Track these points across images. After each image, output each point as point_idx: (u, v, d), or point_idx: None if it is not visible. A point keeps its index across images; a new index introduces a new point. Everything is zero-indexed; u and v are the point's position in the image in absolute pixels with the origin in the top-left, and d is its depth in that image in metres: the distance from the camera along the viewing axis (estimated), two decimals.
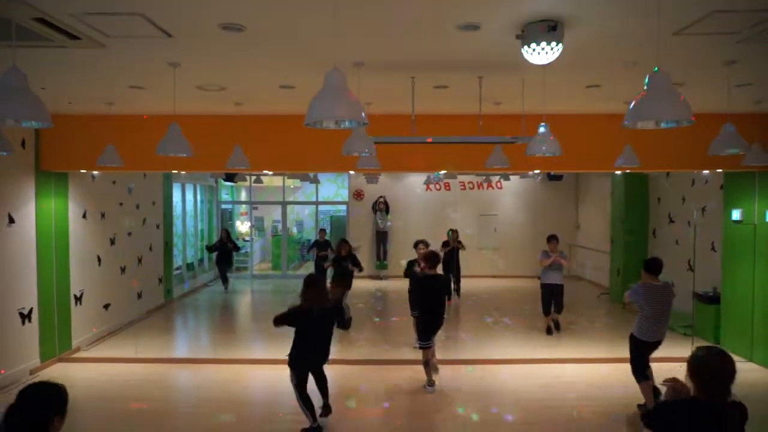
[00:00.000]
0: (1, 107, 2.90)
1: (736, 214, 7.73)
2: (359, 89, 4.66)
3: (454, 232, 12.15)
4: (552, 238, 9.03)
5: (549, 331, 9.07)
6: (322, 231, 13.45)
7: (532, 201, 15.45)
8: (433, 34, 3.79)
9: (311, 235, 17.50)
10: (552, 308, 9.07)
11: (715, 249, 8.80)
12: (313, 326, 5.09)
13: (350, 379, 6.52)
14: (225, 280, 13.54)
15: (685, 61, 4.49)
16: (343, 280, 9.67)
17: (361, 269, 9.84)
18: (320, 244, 13.07)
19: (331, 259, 10.12)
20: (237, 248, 13.75)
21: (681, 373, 2.53)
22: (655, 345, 5.75)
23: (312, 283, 5.25)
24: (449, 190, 15.44)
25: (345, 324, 5.45)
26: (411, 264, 8.11)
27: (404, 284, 9.56)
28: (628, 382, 6.79)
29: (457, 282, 12.03)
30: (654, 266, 5.70)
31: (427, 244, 9.46)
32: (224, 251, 13.43)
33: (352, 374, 6.68)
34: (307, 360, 5.13)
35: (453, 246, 11.87)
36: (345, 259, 9.85)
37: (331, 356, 5.13)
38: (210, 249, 13.72)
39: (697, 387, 2.42)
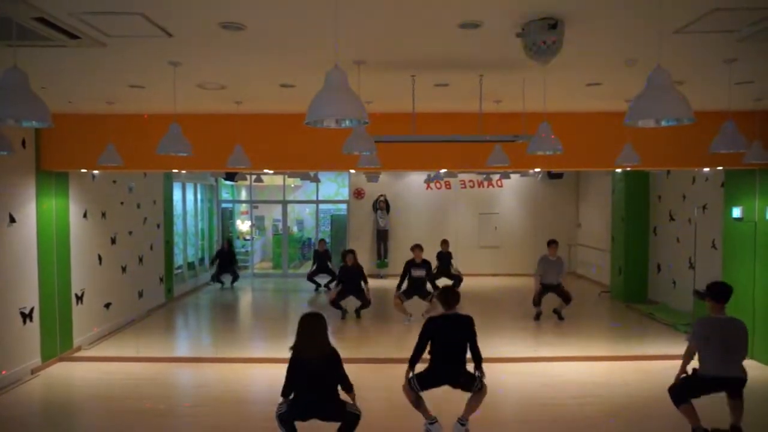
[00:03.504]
0: (2, 107, 2.90)
1: (736, 212, 7.73)
2: (360, 88, 4.67)
3: (444, 243, 12.40)
4: (552, 243, 9.80)
5: (537, 317, 9.73)
6: (322, 241, 13.49)
7: (532, 199, 15.45)
8: (433, 32, 3.79)
9: (312, 234, 17.53)
10: (541, 301, 9.77)
11: (716, 247, 8.80)
12: (310, 376, 4.36)
13: (352, 377, 6.52)
14: (233, 278, 13.76)
15: (686, 59, 4.49)
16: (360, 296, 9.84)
17: (366, 284, 9.93)
18: (320, 255, 13.11)
19: (338, 281, 10.11)
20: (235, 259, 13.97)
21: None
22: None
23: (302, 324, 4.42)
24: (450, 188, 15.44)
25: (347, 385, 4.55)
26: (408, 264, 9.66)
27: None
28: (628, 379, 6.82)
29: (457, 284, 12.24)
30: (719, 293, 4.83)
31: (421, 248, 9.66)
32: (226, 258, 13.61)
33: (352, 372, 6.68)
34: (299, 410, 4.40)
35: (445, 252, 12.23)
36: (351, 270, 9.88)
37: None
38: (213, 261, 13.87)
39: None
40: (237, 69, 4.82)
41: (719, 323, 4.80)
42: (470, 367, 5.04)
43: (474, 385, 4.96)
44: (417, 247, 9.76)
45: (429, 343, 4.99)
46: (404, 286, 9.63)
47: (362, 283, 9.85)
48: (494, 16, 3.46)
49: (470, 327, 5.02)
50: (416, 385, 4.97)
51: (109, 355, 7.87)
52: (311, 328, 4.41)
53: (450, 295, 5.11)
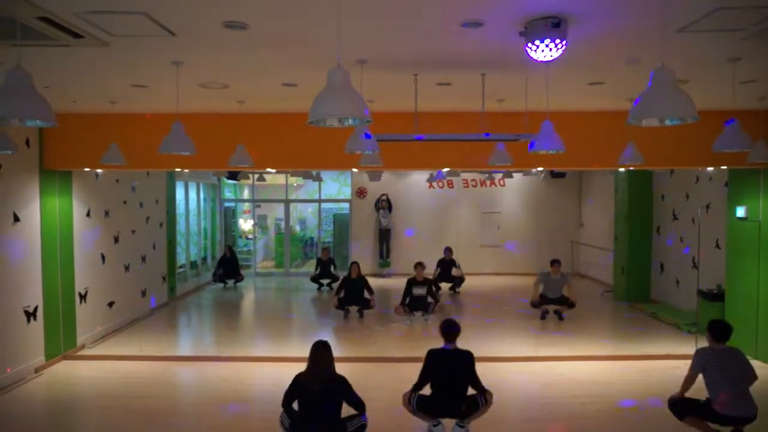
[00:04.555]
0: (6, 106, 2.91)
1: (740, 211, 7.70)
2: (362, 87, 4.66)
3: (448, 250, 12.48)
4: (554, 263, 9.91)
5: (543, 317, 9.78)
6: (325, 250, 13.55)
7: (535, 198, 15.43)
8: (436, 31, 3.79)
9: (314, 233, 17.54)
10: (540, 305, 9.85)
11: (720, 246, 8.78)
12: (313, 403, 4.36)
13: (354, 376, 6.53)
14: (236, 280, 13.87)
15: (690, 58, 4.47)
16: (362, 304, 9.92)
17: (372, 294, 10.03)
18: (323, 263, 13.16)
19: (339, 288, 10.12)
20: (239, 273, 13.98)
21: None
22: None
23: (312, 353, 4.48)
24: (452, 187, 15.43)
25: (358, 404, 4.52)
26: (409, 282, 9.64)
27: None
28: (630, 379, 6.81)
29: (458, 285, 12.41)
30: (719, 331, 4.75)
31: (423, 266, 9.83)
32: (230, 265, 13.72)
33: (355, 371, 6.69)
34: None
35: (447, 260, 12.34)
36: (355, 281, 9.99)
37: (337, 354, 4.77)
38: (217, 271, 13.89)
39: None
40: (239, 68, 4.82)
41: (717, 352, 4.74)
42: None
43: (479, 405, 4.92)
44: (419, 266, 9.85)
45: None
46: (406, 301, 9.70)
47: (366, 293, 9.95)
48: (497, 15, 3.45)
49: (470, 363, 4.90)
50: (415, 406, 4.95)
51: (113, 353, 7.89)
52: (319, 358, 4.43)
53: (450, 327, 4.99)
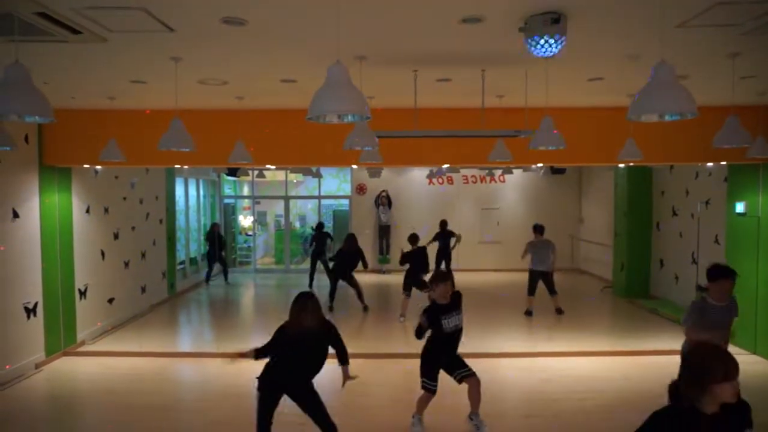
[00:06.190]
0: (4, 102, 2.90)
1: (739, 207, 7.71)
2: (362, 83, 4.66)
3: (442, 223, 12.69)
4: (536, 228, 10.28)
5: (529, 313, 9.88)
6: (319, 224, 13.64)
7: (534, 195, 15.42)
8: (435, 27, 3.78)
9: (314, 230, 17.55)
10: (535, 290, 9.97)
11: (719, 242, 8.79)
12: (307, 347, 4.43)
13: (354, 373, 6.54)
14: (225, 274, 13.82)
15: (689, 53, 4.47)
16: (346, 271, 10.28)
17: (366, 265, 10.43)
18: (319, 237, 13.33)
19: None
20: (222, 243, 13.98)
21: None
22: None
23: (302, 301, 4.55)
24: (452, 183, 15.43)
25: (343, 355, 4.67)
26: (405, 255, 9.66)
27: None
28: (630, 374, 6.82)
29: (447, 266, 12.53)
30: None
31: (417, 237, 9.89)
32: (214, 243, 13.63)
33: (355, 368, 6.71)
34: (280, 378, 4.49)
35: (443, 233, 12.54)
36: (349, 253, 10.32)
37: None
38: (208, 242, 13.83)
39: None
40: (238, 64, 4.81)
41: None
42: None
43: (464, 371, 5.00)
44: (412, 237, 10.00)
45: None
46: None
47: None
48: (496, 11, 3.45)
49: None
50: (429, 384, 5.01)
51: (113, 349, 7.90)
52: (312, 307, 4.50)
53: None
